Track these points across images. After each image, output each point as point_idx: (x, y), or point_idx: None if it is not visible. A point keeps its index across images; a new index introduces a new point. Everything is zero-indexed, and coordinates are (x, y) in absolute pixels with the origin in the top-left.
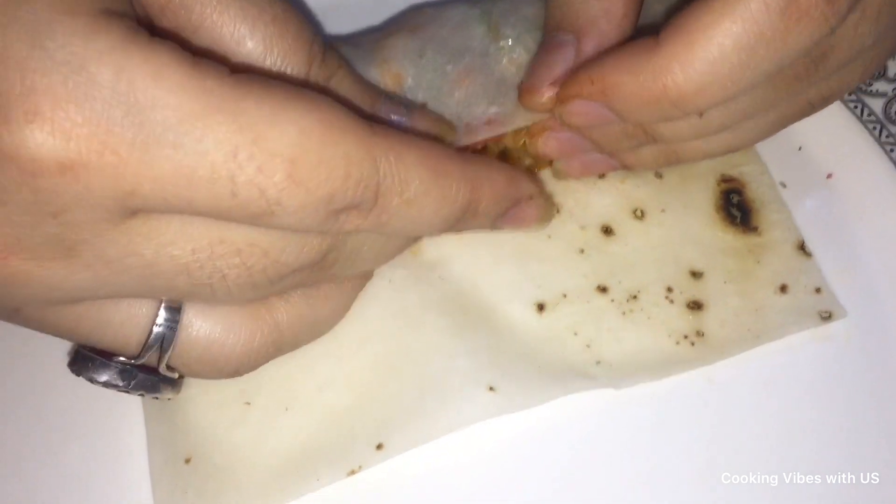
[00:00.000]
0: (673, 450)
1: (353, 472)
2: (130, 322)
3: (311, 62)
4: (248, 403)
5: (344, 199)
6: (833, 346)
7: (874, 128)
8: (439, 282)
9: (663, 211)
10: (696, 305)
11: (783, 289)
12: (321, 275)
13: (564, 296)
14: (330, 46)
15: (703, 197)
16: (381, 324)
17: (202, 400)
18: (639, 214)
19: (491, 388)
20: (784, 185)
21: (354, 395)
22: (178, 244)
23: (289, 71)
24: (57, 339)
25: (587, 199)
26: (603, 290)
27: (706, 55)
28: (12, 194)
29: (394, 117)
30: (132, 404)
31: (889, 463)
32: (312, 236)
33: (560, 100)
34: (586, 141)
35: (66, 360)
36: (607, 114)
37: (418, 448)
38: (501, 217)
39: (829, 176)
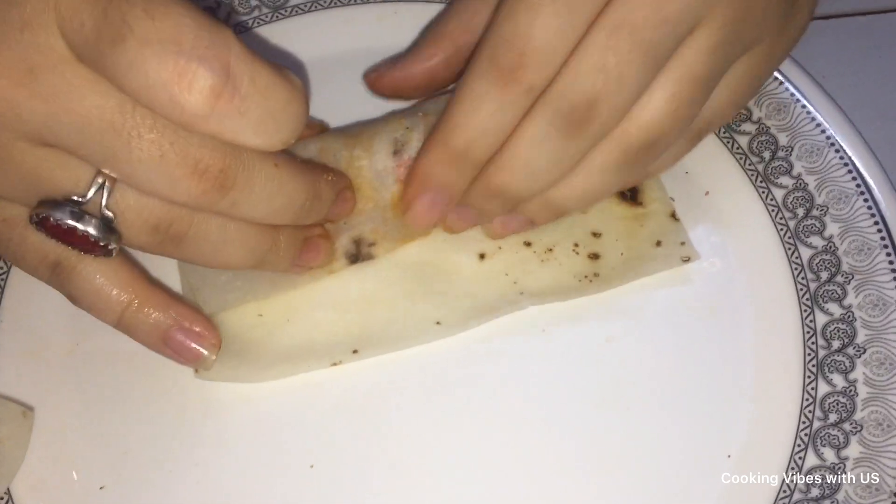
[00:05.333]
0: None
1: (334, 364)
2: (79, 169)
3: None
4: (261, 315)
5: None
6: (690, 287)
7: (740, 158)
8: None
9: None
10: (594, 256)
11: (658, 243)
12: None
13: (500, 248)
14: None
15: None
16: (363, 270)
17: (230, 312)
18: None
19: (438, 323)
20: (673, 199)
21: (339, 316)
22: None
23: None
24: None
25: None
26: (528, 244)
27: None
28: None
29: None
30: None
31: (734, 367)
32: (208, 150)
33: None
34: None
35: None
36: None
37: (382, 357)
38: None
39: (707, 193)
